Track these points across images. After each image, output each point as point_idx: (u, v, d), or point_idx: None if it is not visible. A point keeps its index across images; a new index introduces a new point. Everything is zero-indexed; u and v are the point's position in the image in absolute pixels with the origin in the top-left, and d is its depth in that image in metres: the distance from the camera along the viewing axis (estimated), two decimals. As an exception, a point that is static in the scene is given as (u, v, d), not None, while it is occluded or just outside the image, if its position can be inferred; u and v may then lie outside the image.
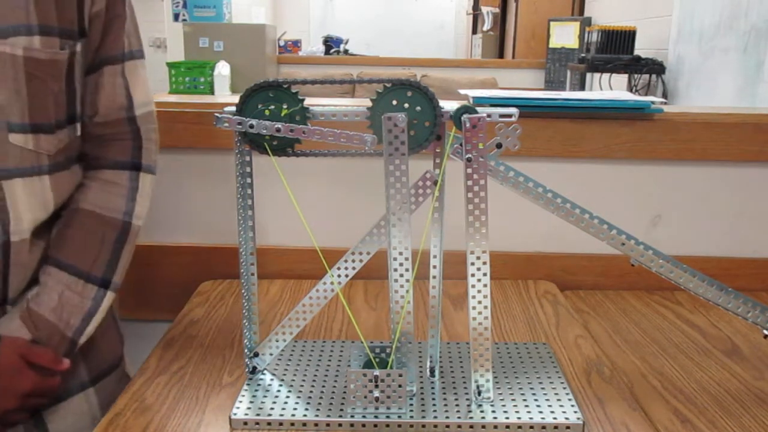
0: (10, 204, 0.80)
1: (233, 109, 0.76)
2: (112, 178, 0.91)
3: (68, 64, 0.83)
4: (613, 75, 3.35)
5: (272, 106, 0.76)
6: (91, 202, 0.89)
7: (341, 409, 0.78)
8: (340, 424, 0.76)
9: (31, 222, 0.83)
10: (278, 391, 0.82)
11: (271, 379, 0.85)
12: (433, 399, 0.80)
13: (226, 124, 0.76)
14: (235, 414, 0.77)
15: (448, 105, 0.75)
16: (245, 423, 0.77)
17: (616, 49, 3.39)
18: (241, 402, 0.79)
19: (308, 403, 0.79)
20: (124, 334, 1.06)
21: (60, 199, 0.88)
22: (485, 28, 6.29)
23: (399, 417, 0.76)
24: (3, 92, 0.77)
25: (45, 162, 0.84)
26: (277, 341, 0.84)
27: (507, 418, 0.76)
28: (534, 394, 0.81)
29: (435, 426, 0.76)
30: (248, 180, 0.79)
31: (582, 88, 3.96)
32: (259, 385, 0.83)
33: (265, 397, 0.81)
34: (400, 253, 0.76)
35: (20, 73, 0.78)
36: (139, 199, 0.92)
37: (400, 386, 0.76)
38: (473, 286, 0.76)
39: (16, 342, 0.81)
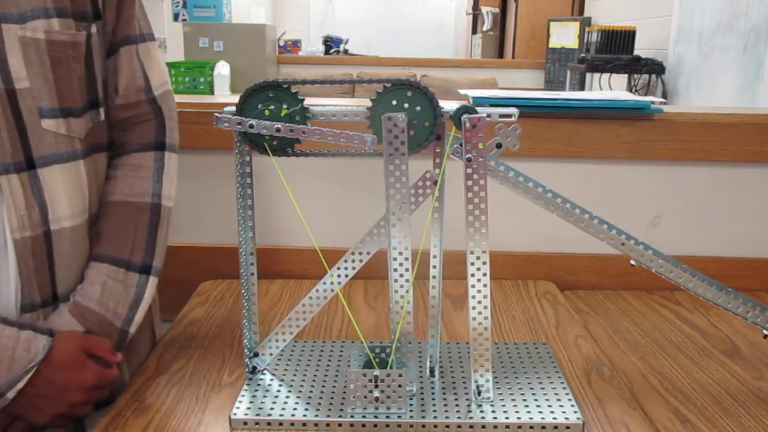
0: (47, 192, 0.80)
1: (233, 109, 0.77)
2: (138, 161, 0.91)
3: (86, 47, 0.84)
4: (613, 75, 3.35)
5: (272, 106, 0.76)
6: (119, 193, 0.89)
7: (341, 409, 0.78)
8: (340, 424, 0.76)
9: (70, 210, 0.83)
10: (278, 391, 0.82)
11: (271, 379, 0.85)
12: (433, 399, 0.80)
13: (226, 124, 0.76)
14: (235, 414, 0.77)
15: (448, 105, 0.75)
16: (245, 423, 0.77)
17: (615, 49, 3.39)
18: (241, 402, 0.79)
19: (308, 403, 0.79)
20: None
21: (94, 186, 0.87)
22: (485, 28, 6.29)
23: (399, 417, 0.76)
24: (31, 78, 0.77)
25: (78, 146, 0.83)
26: (277, 341, 0.84)
27: (507, 418, 0.76)
28: (534, 394, 0.81)
29: (435, 426, 0.76)
30: (248, 180, 0.79)
31: (582, 88, 3.96)
32: (259, 385, 0.83)
33: (265, 397, 0.81)
34: (400, 253, 0.76)
35: (44, 56, 0.78)
36: (165, 178, 0.91)
37: (400, 386, 0.76)
38: (473, 286, 0.76)
39: (74, 335, 0.81)
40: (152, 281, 0.89)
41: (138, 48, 0.91)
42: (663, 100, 1.32)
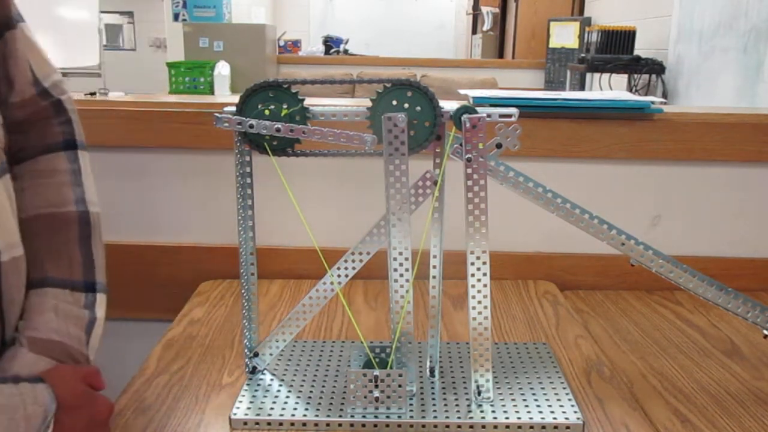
0: None
1: (233, 109, 0.77)
2: (48, 165, 0.75)
3: None
4: (613, 75, 3.35)
5: (272, 106, 0.76)
6: (32, 207, 0.73)
7: (341, 409, 0.78)
8: (340, 424, 0.76)
9: (17, 234, 0.69)
10: (278, 391, 0.82)
11: (271, 379, 0.85)
12: (433, 399, 0.80)
13: (226, 124, 0.76)
14: (235, 414, 0.77)
15: (448, 105, 0.75)
16: (245, 423, 0.77)
17: (616, 49, 3.40)
18: (241, 402, 0.79)
19: (308, 403, 0.79)
20: (122, 334, 1.04)
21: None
22: (485, 28, 6.29)
23: (399, 417, 0.76)
24: None
25: (4, 157, 0.69)
26: (277, 341, 0.84)
27: (507, 418, 0.76)
28: (534, 394, 0.81)
29: (435, 426, 0.76)
30: (248, 180, 0.79)
31: (582, 88, 3.96)
32: (259, 385, 0.83)
33: (265, 397, 0.81)
34: (400, 253, 0.76)
35: None
36: (85, 182, 0.76)
37: (400, 386, 0.76)
38: (473, 286, 0.76)
39: (66, 370, 0.67)
40: (100, 299, 0.74)
41: (16, 32, 0.74)
42: (663, 100, 1.32)
